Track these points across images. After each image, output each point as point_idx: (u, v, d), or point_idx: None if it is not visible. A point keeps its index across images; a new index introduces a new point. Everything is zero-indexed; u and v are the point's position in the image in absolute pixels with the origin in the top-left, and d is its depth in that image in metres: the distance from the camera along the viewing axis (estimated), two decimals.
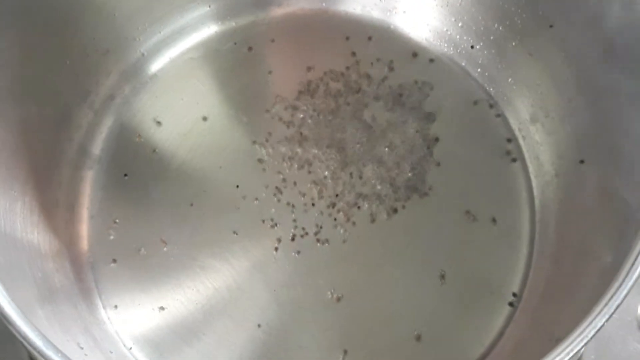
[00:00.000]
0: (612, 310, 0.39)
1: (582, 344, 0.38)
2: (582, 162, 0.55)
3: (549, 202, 0.58)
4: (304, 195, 0.59)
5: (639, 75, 0.48)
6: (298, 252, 0.57)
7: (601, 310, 0.39)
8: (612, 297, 0.39)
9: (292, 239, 0.57)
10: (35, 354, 0.39)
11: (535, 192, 0.59)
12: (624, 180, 0.49)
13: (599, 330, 0.39)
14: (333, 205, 0.58)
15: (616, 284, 0.39)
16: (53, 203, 0.57)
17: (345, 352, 0.54)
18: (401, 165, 0.60)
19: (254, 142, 0.61)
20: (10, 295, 0.40)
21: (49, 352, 0.38)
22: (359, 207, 0.58)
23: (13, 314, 0.40)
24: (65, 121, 0.59)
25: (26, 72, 0.54)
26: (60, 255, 0.55)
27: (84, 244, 0.58)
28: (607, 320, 0.39)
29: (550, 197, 0.58)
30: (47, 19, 0.55)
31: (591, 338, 0.39)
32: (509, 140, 0.61)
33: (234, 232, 0.57)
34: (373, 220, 0.58)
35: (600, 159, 0.53)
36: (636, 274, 0.39)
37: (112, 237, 0.58)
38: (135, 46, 0.63)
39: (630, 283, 0.39)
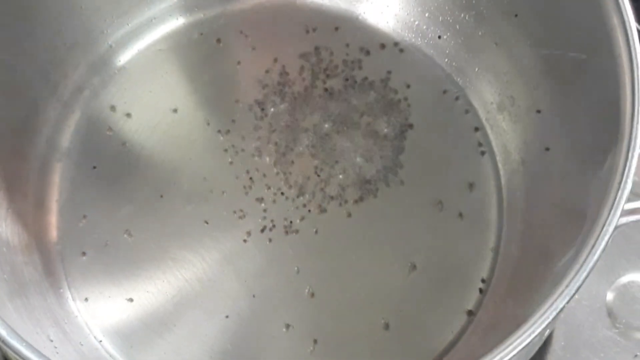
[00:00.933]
0: (572, 292, 0.39)
1: (543, 325, 0.38)
2: (547, 149, 0.55)
3: (516, 190, 0.58)
4: (273, 186, 0.59)
5: (602, 62, 0.48)
6: (269, 241, 0.57)
7: (562, 291, 0.39)
8: (572, 279, 0.39)
9: (262, 230, 0.57)
10: (3, 347, 0.39)
11: (503, 180, 0.59)
12: (586, 167, 0.49)
13: (560, 311, 0.39)
14: (302, 195, 0.58)
15: (576, 266, 0.40)
16: (21, 196, 0.56)
17: (315, 341, 0.54)
18: (371, 156, 0.60)
19: (223, 133, 0.60)
20: None
21: (12, 342, 0.37)
22: (330, 198, 0.58)
23: None
24: (33, 114, 0.59)
25: None
26: (29, 248, 0.55)
27: (53, 236, 0.57)
28: (567, 302, 0.39)
29: (518, 185, 0.58)
30: (12, 11, 0.55)
31: (553, 319, 0.39)
32: (476, 129, 0.61)
33: (205, 222, 0.57)
34: (343, 210, 0.58)
35: (565, 146, 0.53)
36: (596, 256, 0.40)
37: (81, 230, 0.57)
38: (102, 38, 0.62)
39: (591, 265, 0.39)
